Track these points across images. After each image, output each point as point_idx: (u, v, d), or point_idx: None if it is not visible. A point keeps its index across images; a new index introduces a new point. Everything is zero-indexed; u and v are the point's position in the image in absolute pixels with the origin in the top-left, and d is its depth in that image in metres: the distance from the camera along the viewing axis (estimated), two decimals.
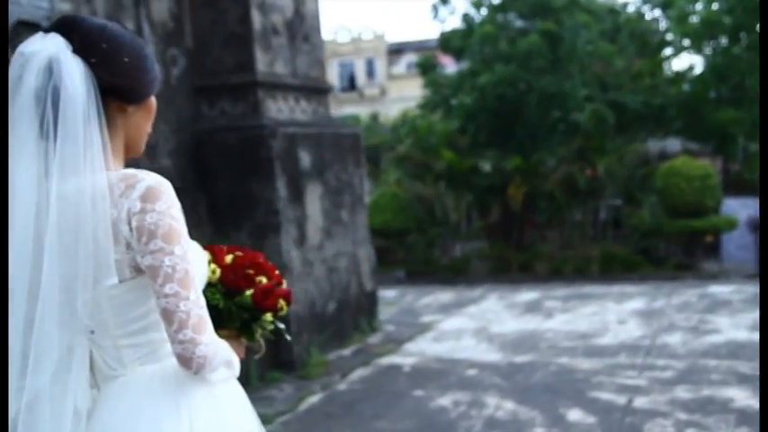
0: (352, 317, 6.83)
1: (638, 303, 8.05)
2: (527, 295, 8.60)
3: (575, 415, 4.64)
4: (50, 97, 1.47)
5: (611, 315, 7.47)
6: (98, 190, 1.48)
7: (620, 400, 4.87)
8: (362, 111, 29.85)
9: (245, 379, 5.57)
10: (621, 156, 14.58)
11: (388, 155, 17.96)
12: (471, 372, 5.68)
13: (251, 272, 1.76)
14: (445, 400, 5.05)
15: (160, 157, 5.82)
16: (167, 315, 1.49)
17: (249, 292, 1.74)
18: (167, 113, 5.91)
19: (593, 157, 14.51)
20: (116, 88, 1.54)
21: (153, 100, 1.66)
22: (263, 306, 1.75)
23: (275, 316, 1.80)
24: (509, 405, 4.87)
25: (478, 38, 15.28)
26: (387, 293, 9.27)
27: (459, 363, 5.93)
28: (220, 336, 1.74)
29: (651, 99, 15.20)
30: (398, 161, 16.47)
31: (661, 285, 9.40)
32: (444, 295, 9.00)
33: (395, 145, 17.80)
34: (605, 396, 4.95)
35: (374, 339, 6.78)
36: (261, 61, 6.14)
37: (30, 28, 4.87)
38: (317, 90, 6.88)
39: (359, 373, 5.85)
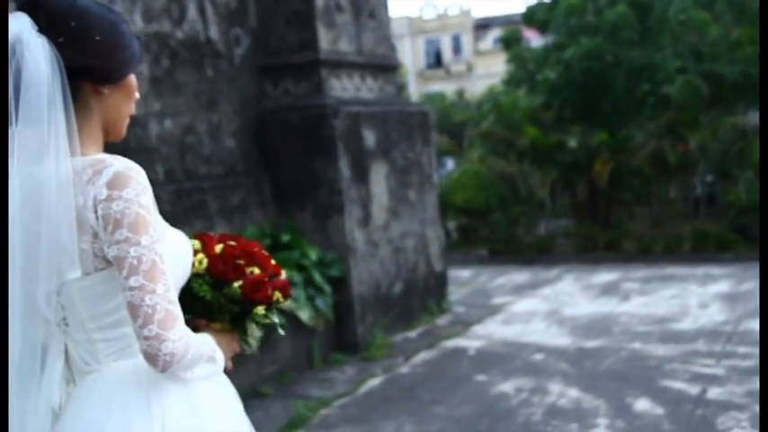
0: (419, 298, 6.73)
1: (723, 286, 7.65)
2: (605, 276, 8.29)
3: (642, 405, 4.41)
4: (12, 80, 1.41)
5: (692, 298, 7.11)
6: (63, 176, 1.41)
7: (693, 390, 4.60)
8: (449, 88, 29.57)
9: (307, 360, 5.59)
10: (716, 129, 13.90)
11: (471, 132, 17.72)
12: (537, 356, 5.49)
13: (241, 262, 1.66)
14: (507, 386, 4.89)
15: (223, 138, 5.83)
16: (132, 309, 1.41)
17: (238, 284, 1.64)
18: (231, 94, 5.91)
19: (684, 132, 13.89)
20: (88, 69, 1.47)
21: (132, 79, 1.57)
22: (253, 299, 1.65)
23: (269, 309, 1.69)
24: (573, 393, 4.68)
25: (564, 10, 14.80)
26: (461, 273, 9.13)
27: (525, 347, 5.75)
28: (213, 329, 1.67)
29: (750, 69, 14.40)
30: (481, 138, 16.22)
31: (753, 266, 8.90)
32: (519, 276, 8.78)
33: (479, 122, 17.55)
34: (677, 385, 4.70)
35: (442, 321, 6.67)
36: (324, 39, 6.06)
37: None
38: (383, 67, 6.75)
39: (422, 355, 5.75)
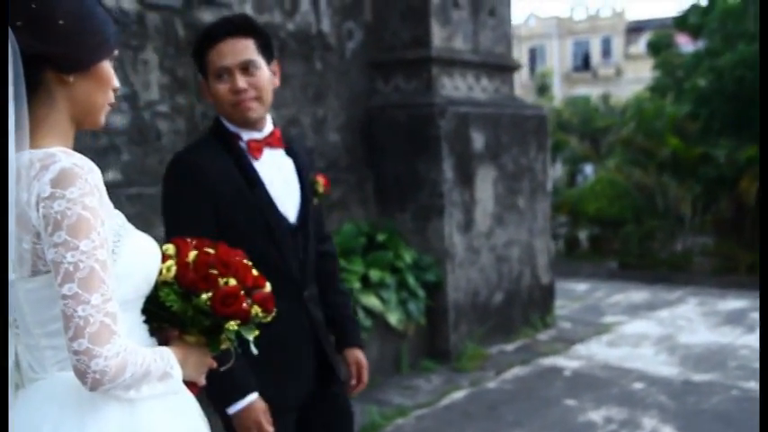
0: (522, 310, 6.44)
1: None
2: (733, 303, 7.66)
3: None
4: None
5: None
6: (6, 171, 1.32)
7: None
8: (595, 92, 28.59)
9: (395, 365, 5.45)
10: None
11: (609, 139, 17.02)
12: (637, 385, 5.10)
13: (214, 272, 1.53)
14: (597, 415, 4.56)
15: (328, 132, 5.78)
16: (64, 320, 1.30)
17: (207, 296, 1.51)
18: (339, 88, 5.85)
19: None
20: (49, 56, 1.37)
21: (104, 67, 1.45)
22: (224, 313, 1.51)
23: (246, 324, 1.55)
24: (667, 430, 4.29)
25: (720, 14, 13.90)
26: (577, 287, 8.73)
27: (627, 373, 5.36)
28: (186, 342, 1.55)
29: None
30: (620, 146, 15.54)
31: None
32: (638, 294, 8.27)
33: (620, 129, 16.84)
34: None
35: (543, 336, 6.35)
36: (437, 36, 5.88)
37: (202, 1, 4.98)
38: (500, 67, 6.49)
39: (515, 371, 5.48)
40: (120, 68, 4.48)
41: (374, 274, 5.27)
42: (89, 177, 1.33)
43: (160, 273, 1.52)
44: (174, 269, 1.52)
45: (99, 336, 1.29)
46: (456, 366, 5.55)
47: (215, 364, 1.61)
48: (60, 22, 1.36)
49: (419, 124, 5.73)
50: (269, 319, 1.61)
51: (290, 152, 2.37)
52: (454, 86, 6.06)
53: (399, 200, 5.84)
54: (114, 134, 4.46)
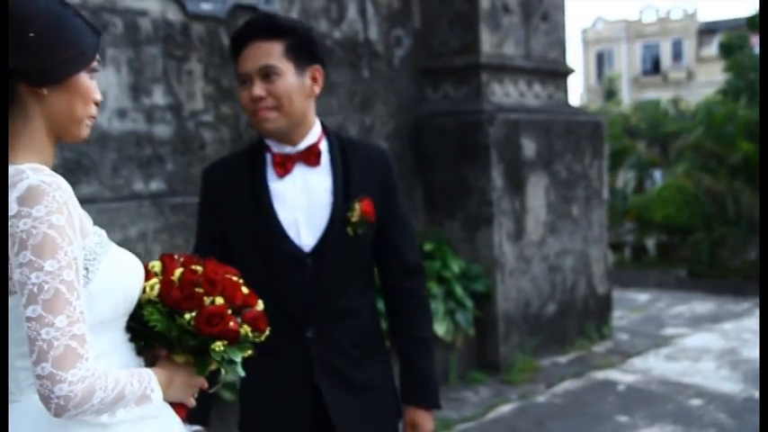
0: (576, 321, 6.26)
1: None
2: None
3: None
4: None
5: None
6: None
7: None
8: (665, 96, 27.88)
9: (443, 377, 5.35)
10: None
11: (677, 144, 16.56)
12: (695, 402, 4.89)
13: (199, 291, 1.47)
14: None
15: (375, 140, 5.72)
16: (29, 343, 1.26)
17: (190, 315, 1.46)
18: (387, 95, 5.80)
19: None
20: (20, 69, 1.34)
21: (81, 79, 1.41)
22: (209, 333, 1.46)
23: (234, 345, 1.49)
24: None
25: None
26: (638, 296, 8.47)
27: (685, 389, 5.14)
28: (175, 361, 1.51)
29: None
30: (689, 151, 15.08)
31: None
32: (703, 305, 7.96)
33: (689, 134, 16.36)
34: None
35: (599, 348, 6.16)
36: (487, 42, 5.78)
37: (247, 11, 4.99)
38: (553, 73, 6.34)
39: (566, 384, 5.32)
40: (164, 79, 4.53)
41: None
42: (57, 195, 1.29)
43: (144, 291, 1.48)
44: (157, 287, 1.48)
45: (63, 360, 1.24)
46: (505, 378, 5.42)
47: (205, 385, 1.56)
48: (31, 34, 1.32)
49: (468, 131, 5.63)
50: (262, 338, 1.55)
51: (336, 169, 2.07)
52: (505, 93, 5.94)
53: (448, 208, 5.75)
54: (158, 144, 4.50)
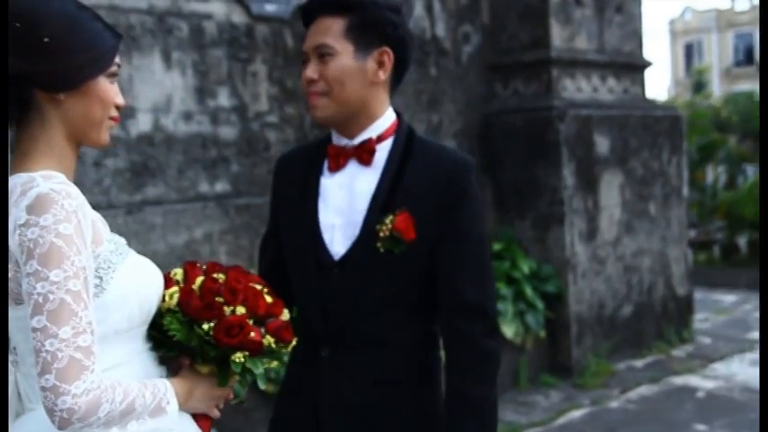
0: (654, 324, 6.03)
1: None
2: None
3: None
4: None
5: None
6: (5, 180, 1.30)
7: None
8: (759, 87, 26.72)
9: (513, 379, 5.24)
10: None
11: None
12: None
13: (220, 300, 1.44)
14: None
15: (444, 139, 5.64)
16: (35, 354, 1.24)
17: (209, 326, 1.42)
18: (455, 93, 5.71)
19: None
20: (35, 75, 1.32)
21: (99, 83, 1.38)
22: (228, 343, 1.42)
23: (255, 356, 1.45)
24: None
25: None
26: (724, 298, 8.12)
27: None
28: (200, 371, 1.48)
29: None
30: None
31: None
32: None
33: None
34: None
35: (679, 352, 5.91)
36: (557, 36, 5.62)
37: None
38: (629, 67, 6.12)
39: (641, 390, 5.12)
40: (229, 81, 4.57)
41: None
42: (66, 203, 1.27)
43: (164, 299, 1.46)
44: (176, 296, 1.45)
45: (67, 372, 1.22)
46: (578, 383, 5.26)
47: (231, 396, 1.53)
48: (45, 39, 1.30)
49: (537, 128, 5.49)
50: (288, 350, 1.51)
51: (386, 172, 1.77)
52: (577, 88, 5.77)
53: (518, 208, 5.63)
54: (223, 146, 4.54)
